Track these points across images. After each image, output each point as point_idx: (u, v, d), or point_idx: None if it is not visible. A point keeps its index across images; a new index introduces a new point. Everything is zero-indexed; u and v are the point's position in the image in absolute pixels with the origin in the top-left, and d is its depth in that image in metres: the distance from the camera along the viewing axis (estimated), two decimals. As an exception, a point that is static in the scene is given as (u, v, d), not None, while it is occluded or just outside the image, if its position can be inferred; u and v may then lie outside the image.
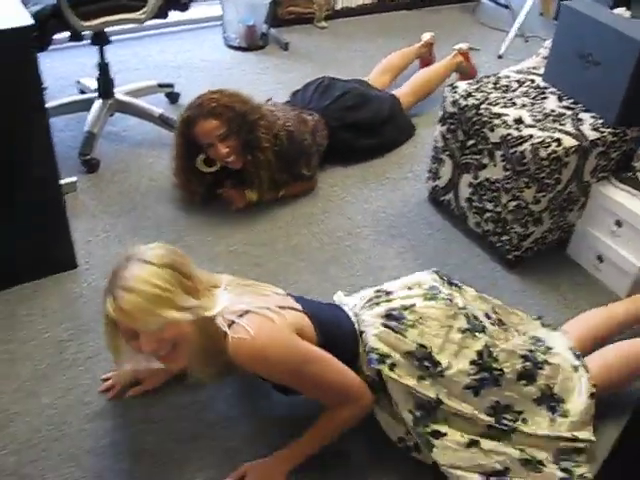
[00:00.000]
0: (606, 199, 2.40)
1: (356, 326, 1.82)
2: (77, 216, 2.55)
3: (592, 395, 1.83)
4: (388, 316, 1.79)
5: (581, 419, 1.81)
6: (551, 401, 1.81)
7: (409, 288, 1.88)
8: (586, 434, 1.80)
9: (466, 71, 3.53)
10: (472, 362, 1.76)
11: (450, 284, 1.97)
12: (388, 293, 1.89)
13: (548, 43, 2.72)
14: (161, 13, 2.78)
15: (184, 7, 2.88)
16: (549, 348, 1.90)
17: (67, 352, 2.08)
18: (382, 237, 2.60)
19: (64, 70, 3.48)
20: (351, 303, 1.92)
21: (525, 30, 4.23)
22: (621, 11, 2.78)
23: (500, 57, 4.03)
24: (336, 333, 1.79)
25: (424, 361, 1.73)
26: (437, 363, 1.74)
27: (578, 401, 1.82)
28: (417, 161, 3.02)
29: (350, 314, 1.87)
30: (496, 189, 2.40)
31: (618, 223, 2.37)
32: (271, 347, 1.60)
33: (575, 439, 1.78)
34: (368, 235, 2.61)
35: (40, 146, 2.11)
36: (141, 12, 2.69)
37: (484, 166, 2.43)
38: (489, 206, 2.45)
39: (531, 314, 2.12)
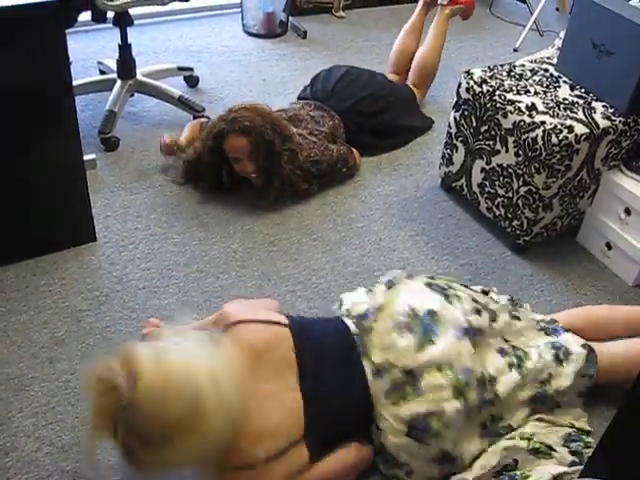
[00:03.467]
0: (616, 187, 2.43)
1: (371, 398, 1.71)
2: (96, 192, 2.61)
3: (580, 394, 1.89)
4: (413, 427, 1.65)
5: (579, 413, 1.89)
6: (550, 404, 1.85)
7: (439, 370, 1.67)
8: (583, 424, 1.87)
9: (462, 10, 3.49)
10: (481, 435, 1.74)
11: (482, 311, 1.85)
12: (415, 379, 1.67)
13: (563, 34, 2.75)
14: (184, -5, 2.83)
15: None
16: (568, 354, 1.86)
17: (85, 321, 2.14)
18: (394, 220, 2.65)
19: (86, 52, 3.54)
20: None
21: (541, 24, 4.26)
22: (635, 2, 2.80)
23: (516, 50, 4.06)
24: (339, 429, 1.72)
25: (446, 463, 1.68)
26: (460, 458, 1.69)
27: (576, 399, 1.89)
28: (430, 148, 3.07)
29: (369, 376, 1.72)
30: (508, 175, 2.44)
31: (627, 211, 2.41)
32: None
33: (573, 426, 1.84)
34: (380, 218, 2.65)
35: (65, 121, 2.17)
36: (163, -7, 2.75)
37: (497, 152, 2.47)
38: (501, 191, 2.49)
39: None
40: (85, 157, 2.54)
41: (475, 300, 1.86)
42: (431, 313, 1.75)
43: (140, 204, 2.61)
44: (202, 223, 2.55)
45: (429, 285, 1.86)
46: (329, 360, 1.73)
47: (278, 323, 1.74)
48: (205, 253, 2.42)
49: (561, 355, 1.85)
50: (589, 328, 2.01)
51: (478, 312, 1.81)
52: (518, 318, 1.93)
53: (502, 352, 1.80)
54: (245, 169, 2.58)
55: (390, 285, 1.88)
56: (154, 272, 2.33)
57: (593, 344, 1.92)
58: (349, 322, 1.81)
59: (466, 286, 1.96)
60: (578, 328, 1.98)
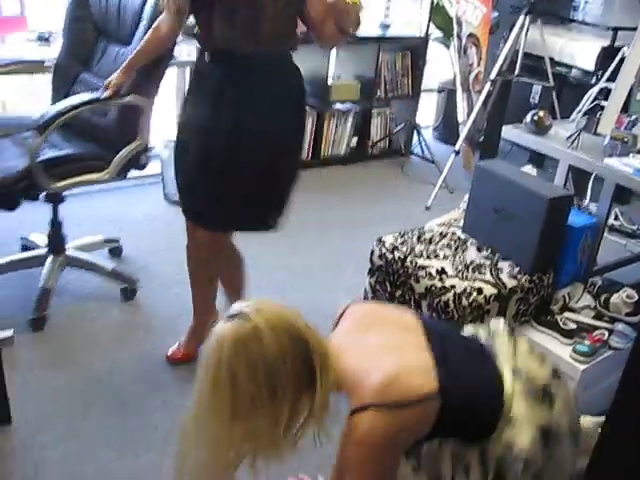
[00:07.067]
0: (528, 341, 2.52)
1: (504, 393, 1.66)
2: (13, 370, 2.54)
3: None
4: (545, 434, 1.66)
5: None
6: None
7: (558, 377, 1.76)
8: None
9: None
10: None
11: None
12: (550, 396, 1.70)
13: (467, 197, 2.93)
14: (122, 173, 2.87)
15: (143, 166, 2.97)
16: None
17: (-3, 514, 2.04)
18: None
19: (5, 225, 3.53)
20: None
21: (450, 182, 4.51)
22: (528, 168, 3.03)
23: (428, 208, 4.27)
24: (467, 416, 1.64)
25: None
26: None
27: None
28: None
29: (505, 371, 1.70)
30: (424, 336, 2.51)
31: (541, 365, 2.49)
32: (368, 452, 1.53)
33: None
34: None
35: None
36: (104, 173, 2.79)
37: (412, 314, 2.55)
38: (419, 352, 2.55)
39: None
40: (1, 335, 2.51)
41: None
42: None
43: (59, 382, 2.55)
44: (122, 402, 2.51)
45: None
46: (458, 343, 1.77)
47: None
48: (125, 433, 2.37)
49: None
50: None
51: None
52: None
53: None
54: None
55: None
56: (72, 454, 2.25)
57: None
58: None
59: None
60: None
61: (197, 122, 2.36)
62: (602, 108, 3.01)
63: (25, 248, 3.29)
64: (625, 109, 2.88)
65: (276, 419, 1.51)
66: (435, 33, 5.35)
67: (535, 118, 2.92)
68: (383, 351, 1.62)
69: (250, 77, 2.26)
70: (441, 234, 2.75)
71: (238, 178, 2.32)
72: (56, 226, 3.02)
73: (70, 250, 3.09)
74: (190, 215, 2.50)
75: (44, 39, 3.60)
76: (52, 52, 3.43)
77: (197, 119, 2.36)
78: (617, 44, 4.26)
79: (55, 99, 3.04)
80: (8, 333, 2.67)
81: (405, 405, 1.51)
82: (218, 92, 2.30)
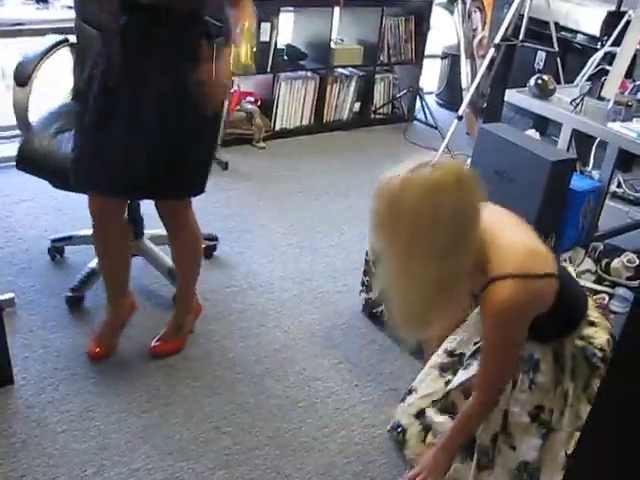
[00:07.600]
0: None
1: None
2: (15, 331, 2.56)
3: None
4: (613, 339, 1.88)
5: None
6: None
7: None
8: None
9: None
10: None
11: None
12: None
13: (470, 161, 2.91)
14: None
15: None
16: None
17: (-1, 471, 2.06)
18: (317, 349, 2.66)
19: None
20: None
21: (452, 148, 4.47)
22: (531, 133, 3.01)
23: (430, 174, 4.24)
24: (570, 304, 1.85)
25: None
26: None
27: None
28: (350, 274, 3.13)
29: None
30: (424, 299, 2.51)
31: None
32: (508, 316, 1.70)
33: None
34: (303, 347, 2.67)
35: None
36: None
37: (412, 277, 2.54)
38: (419, 315, 2.55)
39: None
40: (2, 296, 2.52)
41: None
42: None
43: (60, 343, 2.56)
44: (123, 360, 2.52)
45: None
46: None
47: None
48: (127, 392, 2.38)
49: None
50: None
51: None
52: None
53: None
54: None
55: None
56: (74, 414, 2.27)
57: None
58: None
59: None
60: None
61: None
62: (606, 73, 2.98)
63: (56, 252, 3.04)
64: (629, 74, 2.85)
65: (465, 266, 1.68)
66: (439, -2, 5.29)
67: (539, 82, 2.90)
68: (516, 231, 1.81)
69: (146, 28, 2.10)
70: (442, 198, 2.73)
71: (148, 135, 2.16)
72: (134, 208, 2.82)
73: (146, 238, 2.90)
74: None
75: (42, 1, 3.55)
76: (51, 14, 3.40)
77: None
78: (623, 9, 4.21)
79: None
80: (9, 295, 2.69)
81: (538, 277, 1.70)
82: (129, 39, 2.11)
